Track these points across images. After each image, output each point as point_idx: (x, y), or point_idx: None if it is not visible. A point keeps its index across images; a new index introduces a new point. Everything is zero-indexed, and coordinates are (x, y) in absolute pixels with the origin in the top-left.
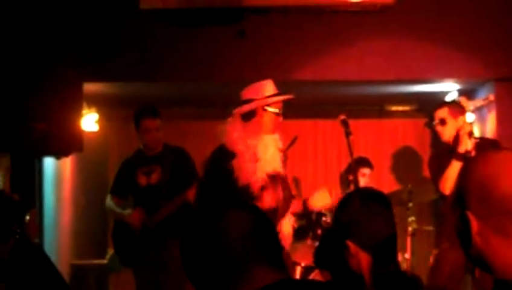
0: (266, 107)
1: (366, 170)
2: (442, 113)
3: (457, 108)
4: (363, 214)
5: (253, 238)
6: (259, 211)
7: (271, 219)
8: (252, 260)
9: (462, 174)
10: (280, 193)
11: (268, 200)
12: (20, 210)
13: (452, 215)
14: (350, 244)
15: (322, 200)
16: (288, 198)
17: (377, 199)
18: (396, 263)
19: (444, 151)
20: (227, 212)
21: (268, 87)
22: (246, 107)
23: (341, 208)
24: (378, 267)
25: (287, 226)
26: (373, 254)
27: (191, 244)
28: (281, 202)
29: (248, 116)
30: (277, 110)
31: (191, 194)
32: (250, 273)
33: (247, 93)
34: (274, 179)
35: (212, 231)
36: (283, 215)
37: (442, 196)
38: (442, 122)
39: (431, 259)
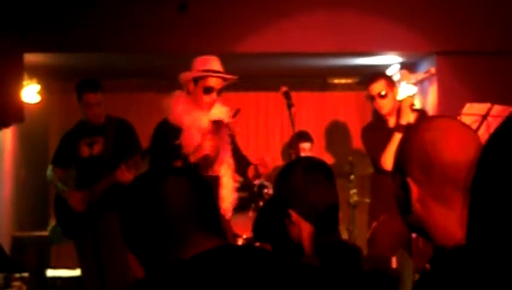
0: (196, 82)
1: (306, 145)
2: (379, 86)
3: (392, 79)
4: (305, 183)
5: (191, 204)
6: (198, 177)
7: (207, 166)
8: (190, 226)
9: (403, 142)
10: (221, 140)
11: (207, 147)
12: None
13: (389, 187)
14: (292, 213)
15: None
16: (230, 145)
17: (319, 168)
18: (337, 233)
19: (377, 124)
20: (165, 179)
21: (203, 62)
22: (180, 78)
23: (283, 177)
24: (319, 236)
25: (228, 197)
26: (315, 224)
27: (128, 211)
28: (220, 149)
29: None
30: (207, 86)
31: (123, 171)
32: (189, 240)
33: (195, 64)
34: (217, 124)
35: (150, 197)
36: (221, 163)
37: (379, 169)
38: (382, 95)
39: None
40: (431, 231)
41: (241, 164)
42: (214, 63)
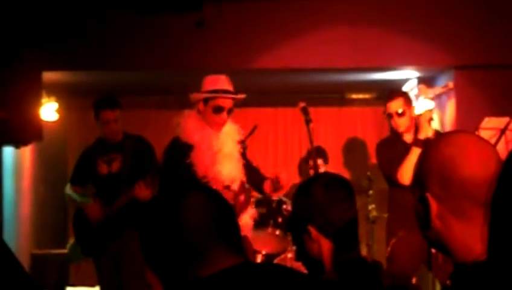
0: (206, 102)
1: (320, 161)
2: (397, 104)
3: (409, 97)
4: (325, 199)
5: (211, 221)
6: (218, 194)
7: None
8: (210, 243)
9: (423, 157)
10: (239, 199)
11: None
12: None
13: (405, 201)
14: (311, 229)
15: None
16: (247, 200)
17: (339, 184)
18: (357, 249)
19: (393, 139)
20: (185, 196)
21: (213, 82)
22: (191, 98)
23: (303, 193)
24: (339, 253)
25: (246, 218)
26: (334, 240)
27: (149, 228)
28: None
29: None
30: (217, 106)
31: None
32: (209, 257)
33: (202, 84)
34: (228, 189)
35: (170, 214)
36: (241, 211)
37: (394, 184)
38: (400, 113)
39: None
40: (450, 246)
41: (254, 177)
42: (223, 83)
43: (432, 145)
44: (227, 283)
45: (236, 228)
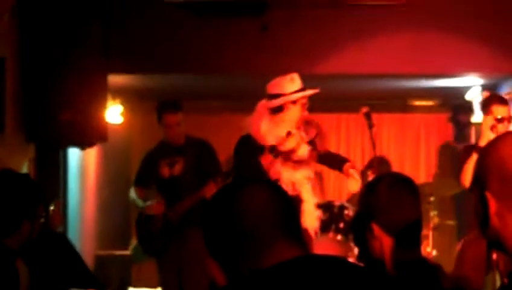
0: (292, 102)
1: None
2: (505, 110)
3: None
4: (389, 197)
5: (272, 212)
6: (279, 186)
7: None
8: (271, 234)
9: (482, 156)
10: None
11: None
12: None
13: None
14: (374, 226)
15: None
16: None
17: (404, 183)
18: (418, 250)
19: (474, 145)
20: (246, 187)
21: (294, 81)
22: (274, 102)
23: (368, 191)
24: (400, 252)
25: (312, 219)
26: (396, 239)
27: (211, 218)
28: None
29: (276, 111)
30: (305, 104)
31: (212, 188)
32: (270, 248)
33: (273, 87)
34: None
35: (232, 205)
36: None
37: (465, 189)
38: (501, 120)
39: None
40: (509, 244)
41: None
42: (298, 81)
43: (491, 145)
44: (289, 274)
45: (297, 220)
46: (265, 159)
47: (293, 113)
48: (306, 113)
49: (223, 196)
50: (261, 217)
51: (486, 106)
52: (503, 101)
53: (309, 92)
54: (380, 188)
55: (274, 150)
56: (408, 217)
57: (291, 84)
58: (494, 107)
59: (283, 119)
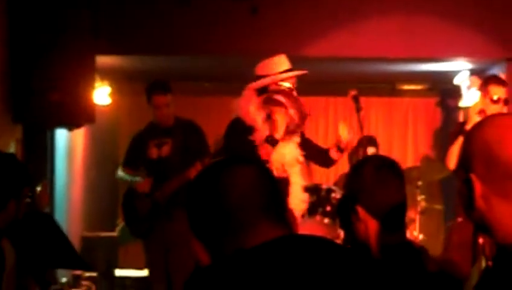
0: (280, 83)
1: (371, 149)
2: (502, 91)
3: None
4: (374, 180)
5: (256, 192)
6: (264, 166)
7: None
8: (255, 214)
9: (468, 139)
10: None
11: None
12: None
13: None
14: (359, 209)
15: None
16: None
17: (389, 166)
18: (403, 233)
19: (461, 129)
20: (231, 168)
21: (281, 62)
22: (260, 83)
23: (353, 174)
24: (385, 235)
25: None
26: (381, 222)
27: (194, 198)
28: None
29: (262, 91)
30: (290, 86)
31: (199, 169)
32: (254, 228)
33: (261, 68)
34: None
35: (215, 184)
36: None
37: (452, 173)
38: (497, 100)
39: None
40: (494, 227)
41: (315, 153)
42: (286, 62)
43: (477, 127)
44: (272, 254)
45: (282, 201)
46: (263, 150)
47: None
48: (294, 95)
49: (207, 175)
50: (246, 197)
51: (483, 85)
52: (501, 82)
53: (295, 72)
54: (365, 171)
55: (271, 140)
56: (393, 200)
57: (277, 65)
58: (492, 87)
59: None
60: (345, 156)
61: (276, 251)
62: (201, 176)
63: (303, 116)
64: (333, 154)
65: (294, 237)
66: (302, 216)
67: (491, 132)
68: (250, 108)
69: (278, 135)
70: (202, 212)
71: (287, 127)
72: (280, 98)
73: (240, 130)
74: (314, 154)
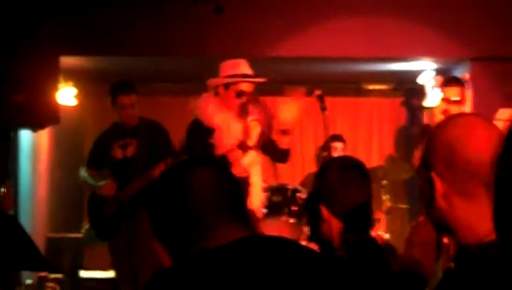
0: (227, 86)
1: (338, 144)
2: (456, 92)
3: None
4: (338, 180)
5: (218, 194)
6: (226, 168)
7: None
8: (217, 216)
9: (429, 138)
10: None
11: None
12: None
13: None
14: (323, 209)
15: (289, 111)
16: None
17: (354, 167)
18: (368, 232)
19: (427, 130)
20: (192, 168)
21: (233, 66)
22: (210, 83)
23: (319, 174)
24: (349, 234)
25: (258, 202)
26: (345, 222)
27: (156, 200)
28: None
29: (216, 93)
30: (239, 91)
31: (162, 169)
32: (216, 230)
33: (220, 69)
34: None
35: (177, 187)
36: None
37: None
38: (456, 102)
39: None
40: (454, 226)
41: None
42: (244, 67)
43: (439, 127)
44: (234, 255)
45: (243, 202)
46: (234, 155)
47: (226, 98)
48: (244, 100)
49: (168, 178)
50: (207, 199)
51: (441, 87)
52: (456, 83)
53: (234, 79)
54: (328, 172)
55: (243, 146)
56: (356, 201)
57: (228, 68)
58: (447, 89)
59: (223, 102)
60: (312, 156)
61: (238, 251)
62: (162, 178)
63: (270, 126)
64: (277, 138)
65: (257, 238)
66: (267, 216)
67: (452, 131)
68: (208, 108)
69: (251, 142)
70: (163, 215)
71: (260, 136)
72: (254, 109)
73: (201, 130)
74: (269, 149)
